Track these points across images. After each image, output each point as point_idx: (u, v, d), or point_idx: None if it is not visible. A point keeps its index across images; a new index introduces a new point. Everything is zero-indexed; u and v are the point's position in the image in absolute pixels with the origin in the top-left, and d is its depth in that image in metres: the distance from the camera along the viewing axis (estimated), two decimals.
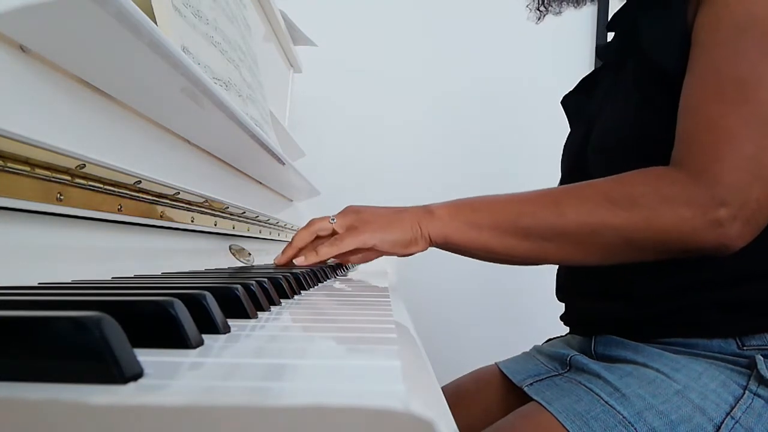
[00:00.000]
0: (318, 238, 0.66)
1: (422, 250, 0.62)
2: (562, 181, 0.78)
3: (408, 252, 0.62)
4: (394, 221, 0.62)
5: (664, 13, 0.59)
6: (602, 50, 0.76)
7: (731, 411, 0.50)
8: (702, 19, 0.54)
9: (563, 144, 0.79)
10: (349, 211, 0.66)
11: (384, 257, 0.78)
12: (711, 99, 0.50)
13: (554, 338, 0.80)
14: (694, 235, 0.49)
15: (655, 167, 0.53)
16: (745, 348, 0.54)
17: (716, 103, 0.50)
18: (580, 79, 0.80)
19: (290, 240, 0.68)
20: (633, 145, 0.60)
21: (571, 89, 0.81)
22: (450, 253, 0.88)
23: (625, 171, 0.56)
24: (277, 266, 0.69)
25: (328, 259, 0.65)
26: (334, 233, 0.65)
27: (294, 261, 0.66)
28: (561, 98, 0.83)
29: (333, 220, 0.65)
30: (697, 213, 0.48)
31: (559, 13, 0.83)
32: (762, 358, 0.53)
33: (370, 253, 0.69)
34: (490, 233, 0.58)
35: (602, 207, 0.52)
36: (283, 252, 0.68)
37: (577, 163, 0.71)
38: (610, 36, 0.78)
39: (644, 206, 0.50)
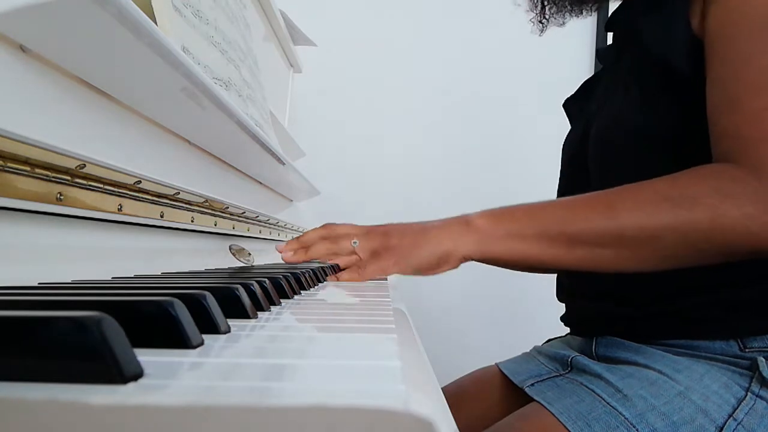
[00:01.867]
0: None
1: (455, 268, 0.58)
2: (561, 175, 0.77)
3: (437, 272, 0.58)
4: (421, 242, 0.58)
5: (666, 11, 0.58)
6: (603, 53, 0.76)
7: (733, 412, 0.50)
8: (717, 16, 0.53)
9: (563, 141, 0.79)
10: (375, 232, 0.62)
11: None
12: (750, 92, 0.48)
13: (554, 339, 0.80)
14: (761, 234, 0.46)
15: (710, 165, 0.50)
16: (747, 350, 0.54)
17: (757, 95, 0.48)
18: (582, 83, 0.81)
19: (303, 240, 0.64)
20: (632, 138, 0.60)
21: (573, 93, 0.81)
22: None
23: (623, 164, 0.54)
24: (281, 256, 0.66)
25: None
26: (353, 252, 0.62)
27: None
28: (563, 102, 0.83)
29: (355, 243, 0.61)
30: (763, 210, 0.46)
31: (563, 24, 0.83)
32: (764, 359, 0.52)
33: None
34: (536, 243, 0.54)
35: (661, 209, 0.49)
36: (294, 251, 0.64)
37: (576, 155, 0.70)
38: (610, 39, 0.78)
39: (707, 205, 0.47)
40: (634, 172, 0.53)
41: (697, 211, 0.47)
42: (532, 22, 0.84)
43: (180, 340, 0.22)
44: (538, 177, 1.20)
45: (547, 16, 0.82)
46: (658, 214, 0.49)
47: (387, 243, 0.60)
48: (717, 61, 0.52)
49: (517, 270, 0.61)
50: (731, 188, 0.47)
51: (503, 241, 0.55)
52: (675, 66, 0.56)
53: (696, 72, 0.54)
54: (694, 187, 0.48)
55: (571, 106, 0.82)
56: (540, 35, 0.85)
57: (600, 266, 0.53)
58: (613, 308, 0.63)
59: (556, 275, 0.78)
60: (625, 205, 0.51)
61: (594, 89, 0.75)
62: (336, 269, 0.79)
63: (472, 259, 0.57)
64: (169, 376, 0.18)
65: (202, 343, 0.23)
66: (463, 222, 0.57)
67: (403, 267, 0.58)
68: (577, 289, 0.70)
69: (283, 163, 0.89)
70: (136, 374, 0.17)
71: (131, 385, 0.16)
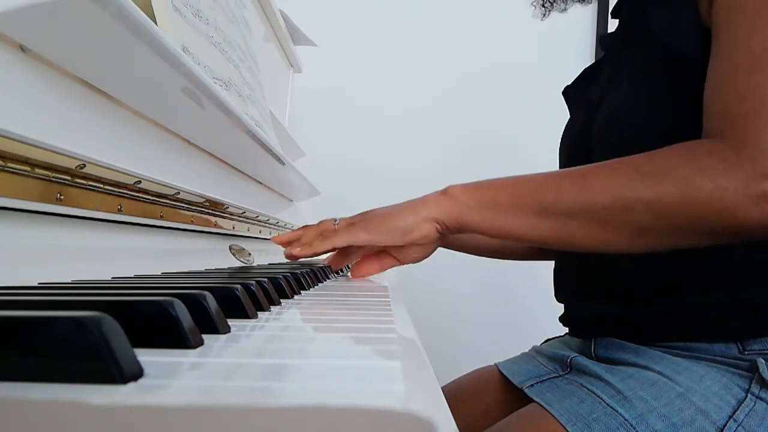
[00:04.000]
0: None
1: (429, 235, 0.58)
2: (561, 164, 0.76)
3: (409, 239, 0.59)
4: (395, 212, 0.59)
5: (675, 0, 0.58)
6: (605, 40, 0.74)
7: (734, 414, 0.50)
8: (719, 2, 0.52)
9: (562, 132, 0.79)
10: (357, 214, 0.65)
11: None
12: (743, 72, 0.47)
13: (552, 339, 0.80)
14: (737, 211, 0.44)
15: (690, 141, 0.49)
16: (746, 352, 0.54)
17: (749, 75, 0.47)
18: (582, 69, 0.79)
19: (297, 229, 0.69)
20: (639, 130, 0.59)
21: (573, 80, 0.80)
22: (457, 252, 0.88)
23: (628, 154, 0.53)
24: (277, 246, 0.71)
25: (323, 253, 0.65)
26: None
27: (290, 250, 0.66)
28: (563, 89, 0.82)
29: (336, 221, 0.64)
30: (739, 185, 0.44)
31: (565, 9, 0.82)
32: (764, 361, 0.52)
33: (388, 258, 0.68)
34: (508, 211, 0.54)
35: (633, 180, 0.48)
36: (284, 235, 0.69)
37: (578, 149, 0.69)
38: (611, 26, 0.77)
39: (679, 177, 0.46)
40: None
41: (669, 183, 0.46)
42: (534, 6, 0.83)
43: (180, 340, 0.22)
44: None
45: (551, 1, 0.81)
46: (628, 185, 0.48)
47: (364, 216, 0.62)
48: (716, 45, 0.51)
49: (498, 238, 0.60)
50: (706, 162, 0.46)
51: (477, 210, 0.55)
52: (684, 54, 0.55)
53: (704, 61, 0.53)
54: (667, 159, 0.47)
55: (571, 93, 0.81)
56: (542, 20, 0.84)
57: (572, 239, 0.52)
58: (612, 310, 0.63)
59: (553, 275, 0.77)
60: (598, 175, 0.50)
61: (595, 77, 0.74)
62: (337, 271, 0.79)
63: (447, 227, 0.57)
64: (169, 376, 0.18)
65: (202, 343, 0.23)
66: (441, 192, 0.58)
67: (373, 234, 0.59)
68: (575, 290, 0.70)
69: (283, 163, 0.89)
70: (136, 374, 0.17)
71: (131, 385, 0.16)
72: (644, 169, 0.48)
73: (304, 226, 0.70)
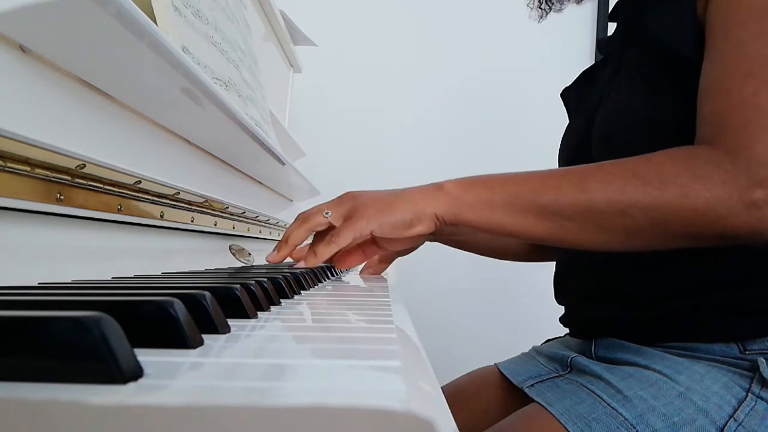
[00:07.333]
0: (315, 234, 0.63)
1: (428, 231, 0.57)
2: (561, 166, 0.75)
3: (411, 233, 0.57)
4: (394, 201, 0.57)
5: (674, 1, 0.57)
6: (604, 44, 0.74)
7: (734, 413, 0.50)
8: (719, 3, 0.52)
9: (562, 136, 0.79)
10: (344, 198, 0.62)
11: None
12: (740, 78, 0.48)
13: (552, 339, 0.80)
14: (730, 218, 0.45)
15: (686, 146, 0.50)
16: (747, 352, 0.54)
17: (746, 81, 0.47)
18: (581, 72, 0.79)
19: (283, 236, 0.64)
20: (639, 133, 0.59)
21: (571, 82, 0.80)
22: (451, 248, 0.88)
23: (629, 155, 0.53)
24: (270, 263, 0.66)
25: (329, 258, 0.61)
26: (331, 227, 0.61)
27: (296, 265, 0.63)
28: (561, 91, 0.82)
29: (327, 213, 0.61)
30: (734, 193, 0.45)
31: (560, 10, 0.82)
32: (764, 360, 0.52)
33: (372, 247, 0.66)
34: (505, 210, 0.54)
35: (631, 185, 0.48)
36: (277, 249, 0.64)
37: (578, 153, 0.69)
38: (611, 29, 0.77)
39: (676, 185, 0.47)
40: None
41: (667, 190, 0.47)
42: (530, 7, 0.83)
43: (180, 340, 0.22)
44: None
45: (548, 2, 0.81)
46: (627, 190, 0.49)
47: (358, 204, 0.59)
48: (711, 48, 0.52)
49: (494, 234, 0.59)
50: (703, 169, 0.46)
51: (473, 208, 0.55)
52: (683, 55, 0.55)
53: (701, 60, 0.53)
54: (666, 166, 0.48)
55: (569, 96, 0.80)
56: (539, 22, 0.84)
57: (567, 239, 0.53)
58: (612, 312, 0.63)
59: (554, 277, 0.77)
60: (596, 178, 0.50)
61: (594, 79, 0.74)
62: (337, 271, 0.78)
63: (445, 222, 0.57)
64: (169, 376, 0.18)
65: (202, 343, 0.23)
66: (436, 187, 0.57)
67: (376, 225, 0.57)
68: (576, 292, 0.70)
69: (283, 163, 0.89)
70: (136, 374, 0.17)
71: (131, 385, 0.16)
72: (643, 173, 0.49)
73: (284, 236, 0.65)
